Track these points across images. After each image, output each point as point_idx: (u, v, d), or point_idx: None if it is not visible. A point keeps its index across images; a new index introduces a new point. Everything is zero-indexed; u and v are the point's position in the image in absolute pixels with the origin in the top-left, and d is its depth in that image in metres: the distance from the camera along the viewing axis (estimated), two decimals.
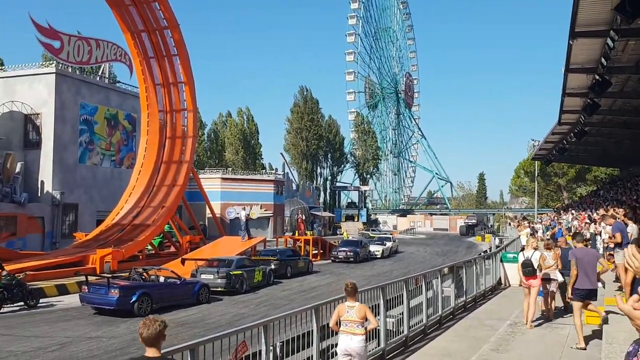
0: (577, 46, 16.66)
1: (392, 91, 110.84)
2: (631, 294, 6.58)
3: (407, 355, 8.97)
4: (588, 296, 9.10)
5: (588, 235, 21.88)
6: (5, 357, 10.82)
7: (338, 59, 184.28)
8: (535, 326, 10.63)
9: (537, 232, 30.47)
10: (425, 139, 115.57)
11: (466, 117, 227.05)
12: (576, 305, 9.01)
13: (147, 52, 30.81)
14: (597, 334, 9.09)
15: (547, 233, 28.62)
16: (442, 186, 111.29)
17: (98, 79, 38.43)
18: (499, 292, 16.04)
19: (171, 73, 31.27)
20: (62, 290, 19.44)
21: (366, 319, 6.81)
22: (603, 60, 16.75)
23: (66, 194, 33.18)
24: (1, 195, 30.70)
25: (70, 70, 34.82)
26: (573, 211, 35.82)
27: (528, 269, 10.40)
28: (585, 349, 8.65)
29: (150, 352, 4.05)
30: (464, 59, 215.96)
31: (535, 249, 10.97)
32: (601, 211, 22.97)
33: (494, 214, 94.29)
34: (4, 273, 16.73)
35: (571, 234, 20.01)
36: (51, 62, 34.39)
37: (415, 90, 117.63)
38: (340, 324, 6.80)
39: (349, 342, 6.65)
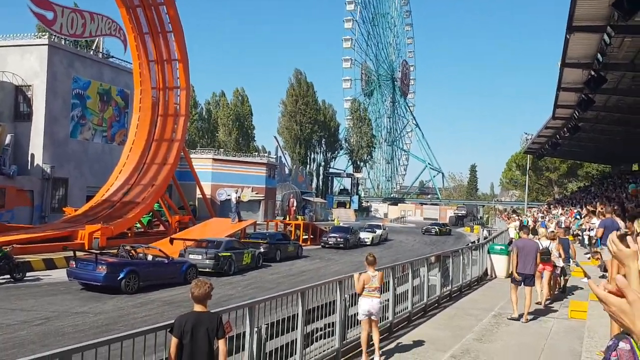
0: (574, 41, 16.61)
1: (388, 78, 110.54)
2: None
3: (391, 341, 9.03)
4: (526, 280, 10.55)
5: (577, 231, 22.07)
6: None
7: (335, 44, 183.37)
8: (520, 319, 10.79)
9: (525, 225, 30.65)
10: (419, 128, 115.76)
11: (461, 108, 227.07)
12: (512, 286, 10.78)
13: (142, 27, 30.46)
14: (580, 328, 9.18)
15: (530, 224, 29.08)
16: (434, 176, 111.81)
17: (91, 53, 37.98)
18: (484, 283, 16.16)
19: (165, 50, 30.96)
20: (50, 265, 19.39)
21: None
22: (599, 56, 16.70)
23: (56, 168, 32.92)
24: None
25: (63, 42, 34.36)
26: (561, 207, 36.06)
27: (545, 257, 11.65)
28: (517, 319, 10.24)
29: (199, 307, 4.99)
30: (461, 48, 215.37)
31: (552, 239, 12.68)
32: (589, 208, 23.14)
33: (483, 206, 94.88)
34: None
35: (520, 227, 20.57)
36: (44, 33, 33.91)
37: (411, 78, 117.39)
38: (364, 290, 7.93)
39: (371, 304, 7.93)
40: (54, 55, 33.06)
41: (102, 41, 39.33)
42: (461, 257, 14.40)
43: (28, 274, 17.27)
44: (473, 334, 9.37)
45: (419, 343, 8.80)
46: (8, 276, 16.49)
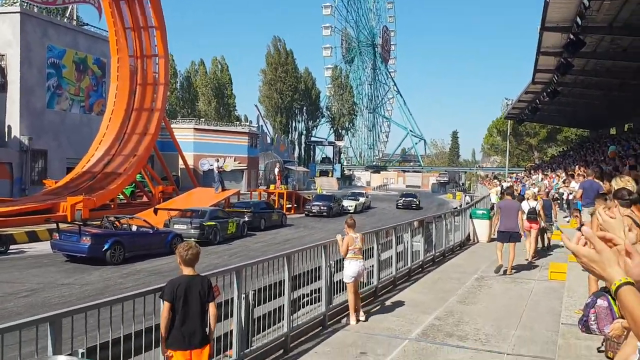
0: (554, 4, 16.59)
1: (369, 45, 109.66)
2: None
3: (376, 304, 9.20)
4: (511, 237, 11.36)
5: (556, 195, 22.43)
6: None
7: (315, 8, 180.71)
8: (501, 276, 11.10)
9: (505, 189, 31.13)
10: (400, 94, 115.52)
11: (442, 74, 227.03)
12: (498, 244, 11.66)
13: None
14: (560, 289, 9.44)
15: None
16: (416, 143, 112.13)
17: (65, 20, 36.96)
18: (467, 248, 16.44)
19: (142, 17, 30.24)
20: (33, 237, 19.26)
21: None
22: (578, 19, 16.75)
23: (34, 139, 32.37)
24: None
25: (35, 10, 33.36)
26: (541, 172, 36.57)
27: (532, 216, 12.68)
28: (500, 269, 11.27)
29: (187, 270, 4.96)
30: (441, 13, 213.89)
31: (536, 199, 13.67)
32: (568, 171, 23.50)
33: (465, 173, 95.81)
34: None
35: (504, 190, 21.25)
36: (15, 0, 32.85)
37: (392, 43, 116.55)
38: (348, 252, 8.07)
39: (358, 265, 8.08)
40: (26, 24, 32.15)
41: (76, 9, 38.26)
42: (444, 222, 14.59)
43: (11, 246, 17.14)
44: (456, 297, 9.59)
45: (403, 306, 8.99)
46: None
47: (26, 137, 31.85)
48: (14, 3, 32.57)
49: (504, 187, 28.54)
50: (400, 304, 9.13)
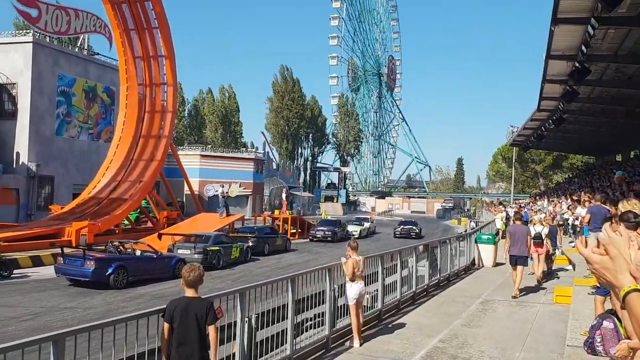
0: (559, 32, 16.81)
1: (374, 74, 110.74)
2: None
3: (380, 327, 9.13)
4: (518, 261, 11.68)
5: (561, 221, 22.35)
6: None
7: (321, 39, 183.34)
8: (506, 300, 11.01)
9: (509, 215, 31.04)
10: (405, 122, 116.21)
11: (447, 102, 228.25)
12: (512, 268, 11.95)
13: (128, 23, 30.25)
14: (565, 313, 9.36)
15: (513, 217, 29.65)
16: (421, 170, 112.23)
17: (77, 50, 37.63)
18: (472, 272, 16.33)
19: (152, 46, 30.78)
20: (37, 262, 19.26)
21: None
22: (583, 47, 16.92)
23: (42, 166, 32.65)
24: None
25: (47, 40, 34.02)
26: (546, 198, 36.44)
27: (538, 240, 13.06)
28: (516, 297, 11.39)
29: (190, 292, 4.97)
30: (447, 42, 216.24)
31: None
32: (574, 197, 23.44)
33: (470, 199, 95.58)
34: None
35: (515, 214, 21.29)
36: (27, 30, 33.53)
37: (397, 72, 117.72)
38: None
39: (361, 287, 8.15)
40: (38, 53, 32.74)
41: (87, 38, 38.99)
42: (449, 246, 14.54)
43: (15, 271, 17.13)
44: (461, 320, 9.51)
45: (407, 329, 8.92)
46: None
47: (34, 164, 32.15)
48: (27, 33, 33.25)
49: (509, 213, 28.49)
50: (404, 326, 9.06)
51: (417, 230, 37.81)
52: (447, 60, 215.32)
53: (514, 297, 11.44)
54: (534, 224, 13.83)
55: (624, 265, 1.61)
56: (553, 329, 8.60)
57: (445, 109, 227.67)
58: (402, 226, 38.88)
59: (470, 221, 45.12)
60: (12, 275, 16.65)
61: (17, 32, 34.71)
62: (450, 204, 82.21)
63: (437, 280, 13.29)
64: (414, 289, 11.60)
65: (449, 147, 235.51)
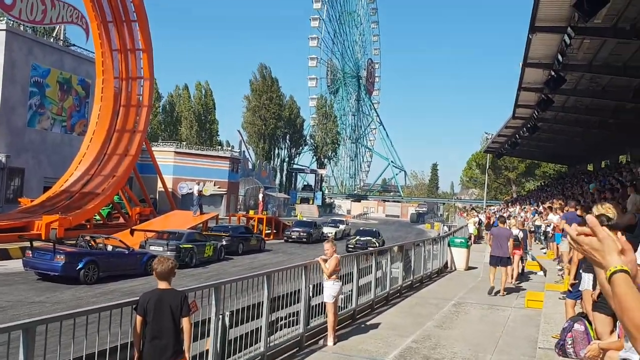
0: (536, 41, 17.03)
1: (353, 76, 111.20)
2: (575, 277, 6.90)
3: (354, 327, 9.13)
4: (500, 262, 12.26)
5: (532, 227, 22.72)
6: None
7: (301, 39, 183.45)
8: (479, 307, 11.08)
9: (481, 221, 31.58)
10: (383, 126, 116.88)
11: (424, 107, 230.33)
12: (490, 268, 12.67)
13: (106, 16, 29.77)
14: (536, 317, 9.49)
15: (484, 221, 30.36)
16: (397, 174, 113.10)
17: (52, 40, 36.89)
18: (445, 275, 16.48)
19: (129, 39, 30.35)
20: (4, 255, 18.76)
21: None
22: (559, 56, 17.21)
23: (12, 157, 31.87)
24: None
25: (22, 29, 33.27)
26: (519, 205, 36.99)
27: (517, 243, 13.79)
28: (491, 291, 12.21)
29: (162, 284, 4.94)
30: (424, 48, 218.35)
31: (520, 229, 15.15)
32: (547, 205, 23.83)
33: (444, 204, 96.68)
34: None
35: (497, 217, 21.80)
36: (1, 18, 32.76)
37: (376, 75, 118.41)
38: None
39: (339, 285, 8.20)
40: (12, 41, 31.99)
41: (64, 29, 38.24)
42: (423, 248, 14.65)
43: None
44: (433, 322, 9.57)
45: (381, 329, 8.94)
46: None
47: (4, 155, 31.37)
48: (0, 21, 32.47)
49: (481, 219, 28.89)
50: (378, 326, 9.08)
51: (378, 244, 26.60)
52: (424, 67, 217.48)
53: (502, 295, 12.09)
54: (510, 227, 14.22)
55: (612, 246, 1.62)
56: (525, 332, 8.71)
57: (422, 114, 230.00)
58: (358, 237, 29.07)
59: (444, 226, 45.63)
60: None
61: None
62: (424, 209, 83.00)
63: (410, 282, 13.36)
64: (387, 289, 11.64)
65: (424, 153, 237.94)
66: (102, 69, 30.62)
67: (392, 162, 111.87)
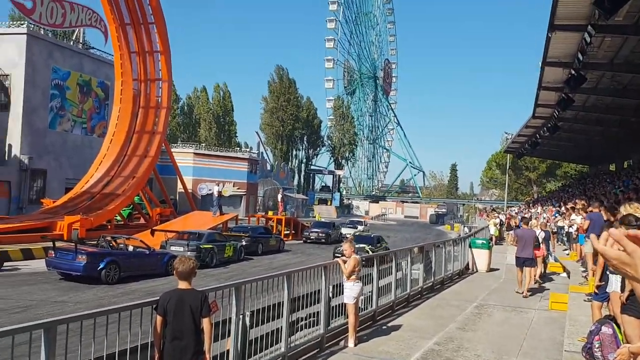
0: (555, 39, 16.81)
1: (370, 77, 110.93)
2: (601, 278, 6.75)
3: (375, 328, 9.06)
4: (525, 263, 12.31)
5: (555, 228, 22.39)
6: None
7: (318, 41, 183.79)
8: (502, 309, 10.93)
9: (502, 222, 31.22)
10: (400, 126, 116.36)
11: (442, 107, 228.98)
12: (518, 269, 12.65)
13: (124, 18, 30.08)
14: (560, 319, 9.32)
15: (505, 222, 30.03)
16: (415, 175, 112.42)
17: (72, 43, 37.37)
18: (466, 277, 16.30)
19: (147, 41, 30.62)
20: (28, 255, 19.04)
21: None
22: (579, 55, 16.94)
23: (35, 159, 32.38)
24: None
25: (42, 32, 33.77)
26: (540, 205, 36.53)
27: (537, 243, 13.50)
28: (522, 294, 12.13)
29: (182, 284, 4.89)
30: (442, 48, 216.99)
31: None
32: (570, 205, 23.48)
33: (463, 205, 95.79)
34: None
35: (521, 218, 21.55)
36: (21, 22, 33.27)
37: (393, 75, 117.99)
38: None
39: (360, 286, 8.05)
40: (33, 45, 32.50)
41: (83, 32, 38.74)
42: (443, 250, 14.51)
43: (6, 263, 16.95)
44: (456, 323, 9.44)
45: (402, 330, 8.85)
46: None
47: (26, 157, 31.88)
48: (21, 24, 32.99)
49: (502, 220, 28.56)
50: (398, 328, 8.99)
51: (373, 252, 18.74)
52: (443, 66, 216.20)
53: (525, 296, 12.04)
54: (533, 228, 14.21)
55: None
56: (549, 334, 8.56)
57: (441, 114, 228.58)
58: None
59: (464, 227, 45.24)
60: (2, 268, 16.47)
61: (11, 23, 34.41)
62: (443, 210, 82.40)
63: (431, 284, 13.24)
64: (408, 290, 11.54)
65: (443, 153, 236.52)
66: (120, 71, 30.94)
67: (410, 162, 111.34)
